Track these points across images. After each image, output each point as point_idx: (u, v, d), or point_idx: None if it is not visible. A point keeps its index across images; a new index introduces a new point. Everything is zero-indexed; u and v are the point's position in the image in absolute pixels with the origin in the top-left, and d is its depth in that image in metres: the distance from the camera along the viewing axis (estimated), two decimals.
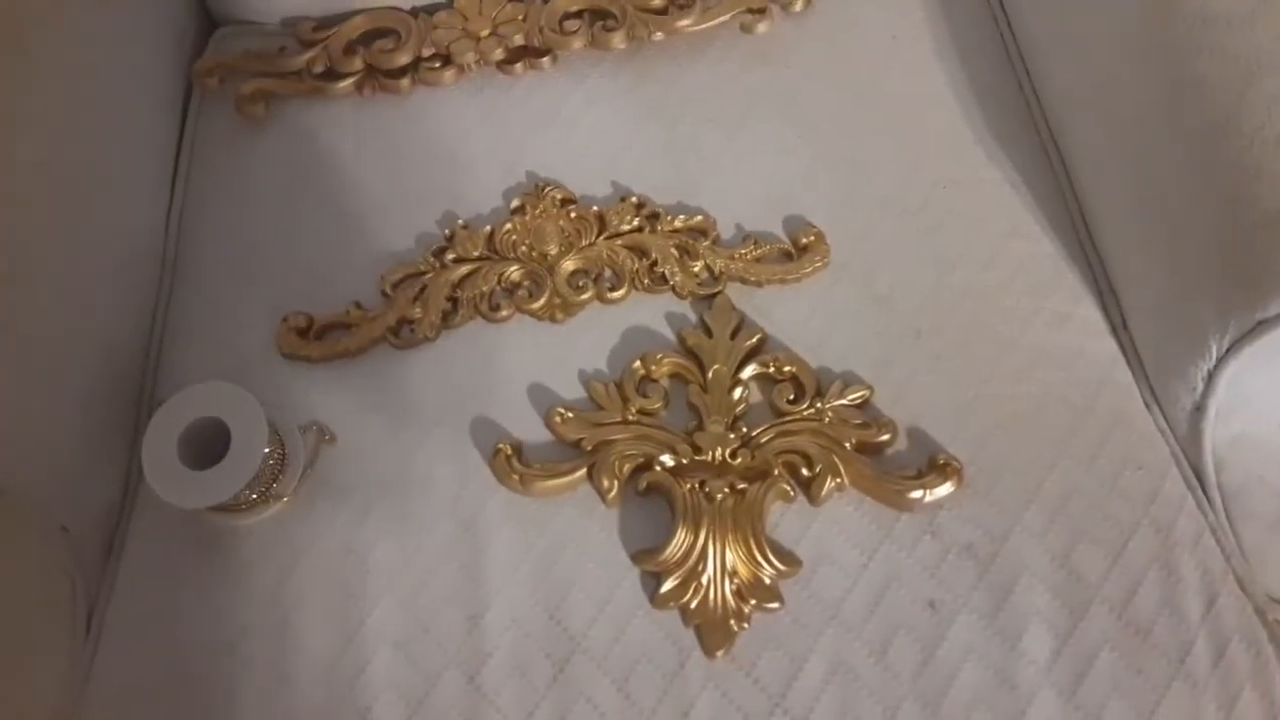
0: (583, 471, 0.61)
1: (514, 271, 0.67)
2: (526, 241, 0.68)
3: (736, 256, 0.67)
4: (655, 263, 0.67)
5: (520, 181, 0.71)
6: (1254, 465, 0.61)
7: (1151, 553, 0.59)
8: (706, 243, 0.67)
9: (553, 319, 0.66)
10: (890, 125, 0.72)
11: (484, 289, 0.67)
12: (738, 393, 0.63)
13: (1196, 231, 0.58)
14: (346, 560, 0.60)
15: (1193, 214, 0.58)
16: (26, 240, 0.60)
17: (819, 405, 0.62)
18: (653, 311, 0.67)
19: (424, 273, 0.68)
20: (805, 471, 0.60)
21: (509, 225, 0.69)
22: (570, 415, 0.62)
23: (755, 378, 0.64)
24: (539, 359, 0.65)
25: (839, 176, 0.70)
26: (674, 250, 0.67)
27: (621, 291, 0.66)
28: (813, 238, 0.67)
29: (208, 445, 0.59)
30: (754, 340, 0.64)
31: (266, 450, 0.59)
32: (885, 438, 0.61)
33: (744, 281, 0.66)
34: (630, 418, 0.62)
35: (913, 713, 0.56)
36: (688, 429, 0.62)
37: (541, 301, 0.66)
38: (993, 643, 0.57)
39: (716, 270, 0.66)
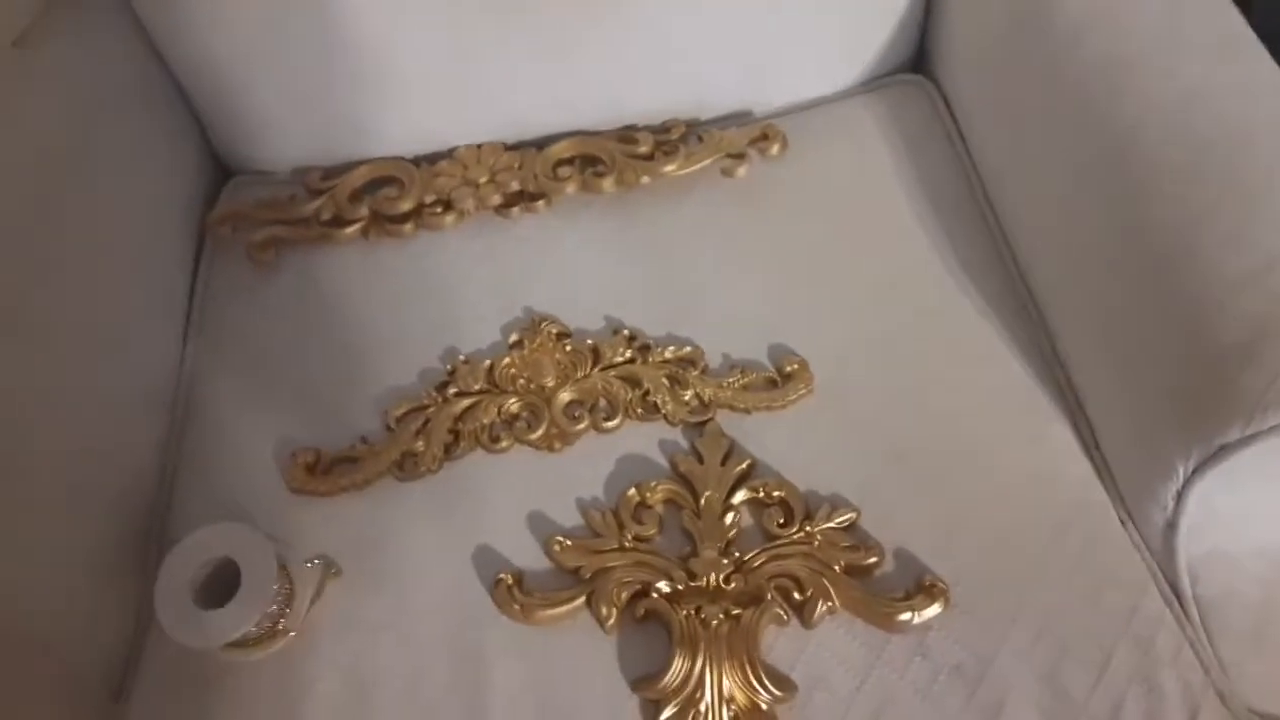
0: (582, 599, 0.62)
1: (513, 404, 0.71)
2: (525, 374, 0.71)
3: (724, 385, 0.70)
4: (647, 392, 0.70)
5: (518, 317, 0.75)
6: (1227, 579, 0.63)
7: (1133, 668, 0.60)
8: (696, 372, 0.71)
9: (550, 449, 0.69)
10: (866, 259, 0.77)
11: (484, 421, 0.70)
12: (729, 518, 0.65)
13: (1158, 362, 0.62)
14: (352, 694, 0.62)
15: (1154, 345, 0.62)
16: (44, 386, 0.63)
17: (808, 529, 0.64)
18: (646, 439, 0.70)
19: (427, 406, 0.71)
20: (797, 595, 0.62)
21: (508, 359, 0.72)
22: (569, 543, 0.64)
23: (746, 502, 0.66)
24: (538, 488, 0.68)
25: (819, 308, 0.74)
26: (665, 380, 0.70)
27: (616, 421, 0.69)
28: (796, 365, 0.71)
29: (219, 583, 0.61)
30: (744, 466, 0.67)
31: (275, 587, 0.61)
32: (873, 560, 0.63)
33: (732, 409, 0.70)
34: (627, 544, 0.64)
35: None
36: (682, 554, 0.64)
37: (540, 432, 0.69)
38: None
39: (706, 398, 0.70)
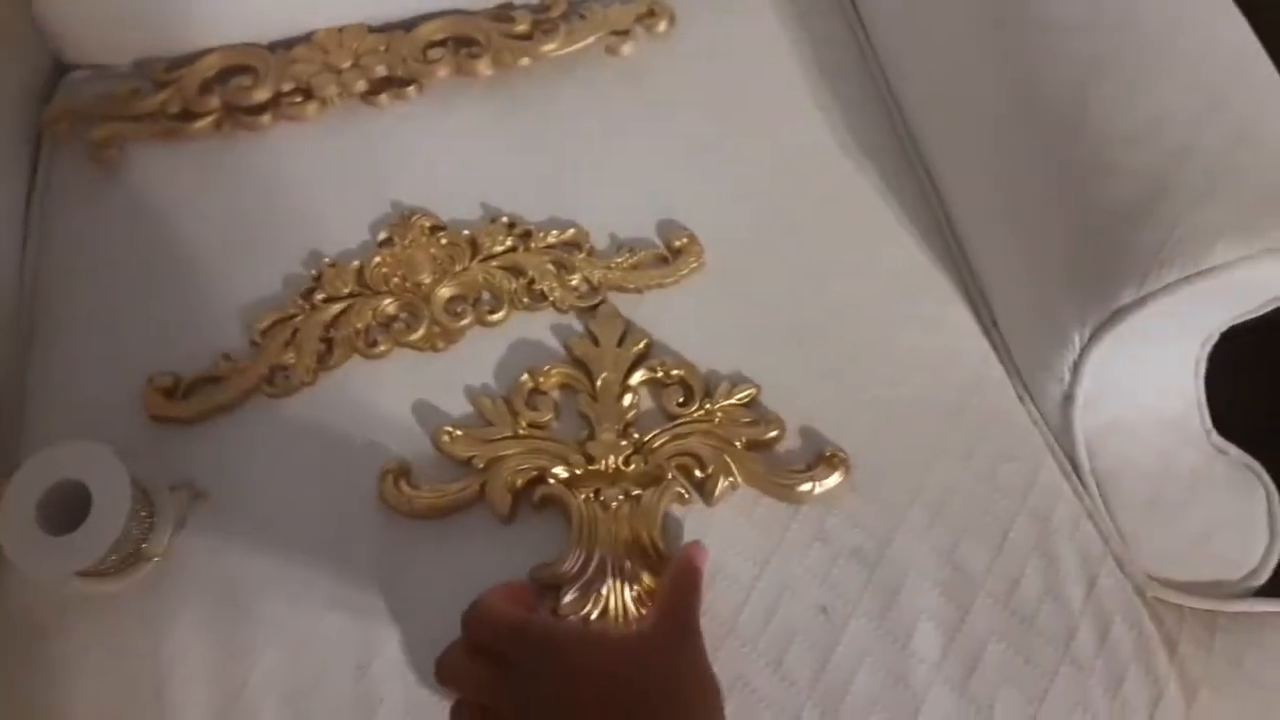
0: (475, 488, 0.59)
1: (389, 305, 0.66)
2: (399, 273, 0.67)
3: (613, 266, 0.67)
4: (532, 281, 0.66)
5: (387, 213, 0.70)
6: (1125, 450, 0.63)
7: (1031, 542, 0.60)
8: (582, 255, 0.67)
9: (434, 348, 0.65)
10: (758, 140, 0.73)
11: (359, 326, 0.65)
12: (627, 399, 0.62)
13: (1053, 229, 0.60)
14: (226, 616, 0.58)
15: (1048, 212, 0.60)
16: None
17: (708, 406, 0.62)
18: (536, 329, 0.66)
19: (294, 315, 0.66)
20: (698, 473, 0.60)
21: (378, 258, 0.67)
22: (459, 433, 0.61)
23: (644, 383, 0.64)
24: (423, 390, 0.64)
25: (711, 189, 0.71)
26: (550, 266, 0.66)
27: (501, 313, 0.66)
28: (686, 239, 0.67)
29: (69, 509, 0.56)
30: (641, 345, 0.64)
31: (131, 510, 0.57)
32: (774, 434, 0.62)
33: (623, 289, 0.66)
34: (521, 432, 0.61)
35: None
36: (579, 439, 0.61)
37: (420, 332, 0.65)
38: (885, 643, 0.57)
39: (595, 281, 0.66)
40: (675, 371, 0.63)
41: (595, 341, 0.65)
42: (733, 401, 0.63)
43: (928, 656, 0.57)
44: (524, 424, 0.62)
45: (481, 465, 0.60)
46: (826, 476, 0.60)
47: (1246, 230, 0.52)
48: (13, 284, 0.69)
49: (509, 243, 0.68)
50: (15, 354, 0.67)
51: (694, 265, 0.67)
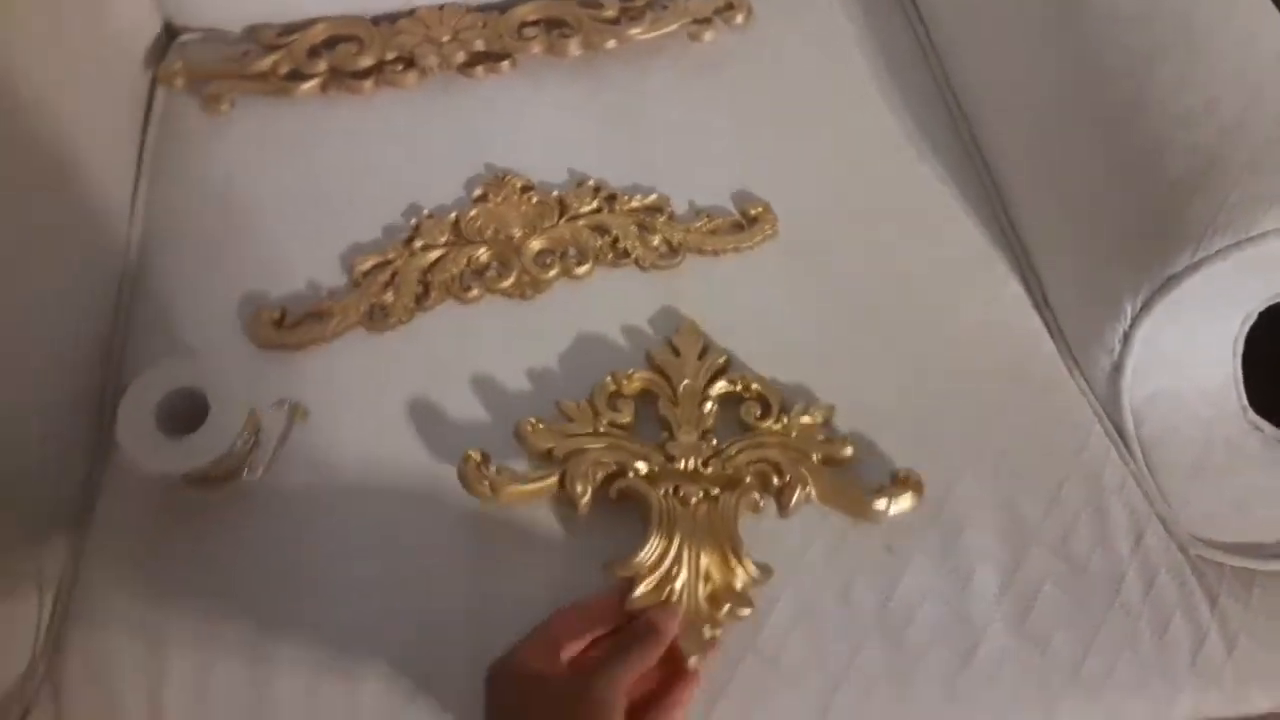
0: (554, 479, 0.60)
1: (482, 254, 0.70)
2: (492, 226, 0.71)
3: (692, 229, 0.71)
4: (616, 239, 0.71)
5: (481, 173, 0.75)
6: (1169, 419, 0.67)
7: (1083, 498, 0.63)
8: (663, 218, 0.72)
9: (522, 296, 0.69)
10: (826, 125, 0.78)
11: (454, 271, 0.70)
12: (707, 406, 0.64)
13: (1108, 204, 0.65)
14: (315, 536, 0.61)
15: (1104, 189, 0.65)
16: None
17: (785, 421, 0.63)
18: (618, 285, 0.70)
19: (393, 260, 0.70)
20: (776, 480, 0.61)
21: (473, 212, 0.72)
22: (541, 426, 0.62)
23: (722, 396, 0.65)
24: (511, 335, 0.68)
25: (783, 167, 0.75)
26: (633, 227, 0.71)
27: (587, 266, 0.70)
28: (760, 209, 0.72)
29: (185, 417, 0.60)
30: (721, 360, 0.66)
31: (243, 421, 0.60)
32: (848, 452, 0.63)
33: (701, 252, 0.71)
34: (601, 429, 0.62)
35: (876, 649, 0.59)
36: (659, 441, 0.63)
37: (511, 280, 0.69)
38: (946, 581, 0.60)
39: (675, 242, 0.70)
40: (754, 386, 0.65)
41: (676, 352, 0.66)
42: (809, 419, 0.64)
43: (986, 595, 0.60)
44: (604, 423, 0.63)
45: (562, 457, 0.61)
46: (900, 494, 0.61)
47: None
48: (124, 217, 0.73)
49: (595, 204, 0.72)
50: (124, 282, 0.71)
51: (768, 233, 0.72)
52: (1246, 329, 0.67)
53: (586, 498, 0.59)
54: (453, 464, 0.62)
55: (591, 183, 0.74)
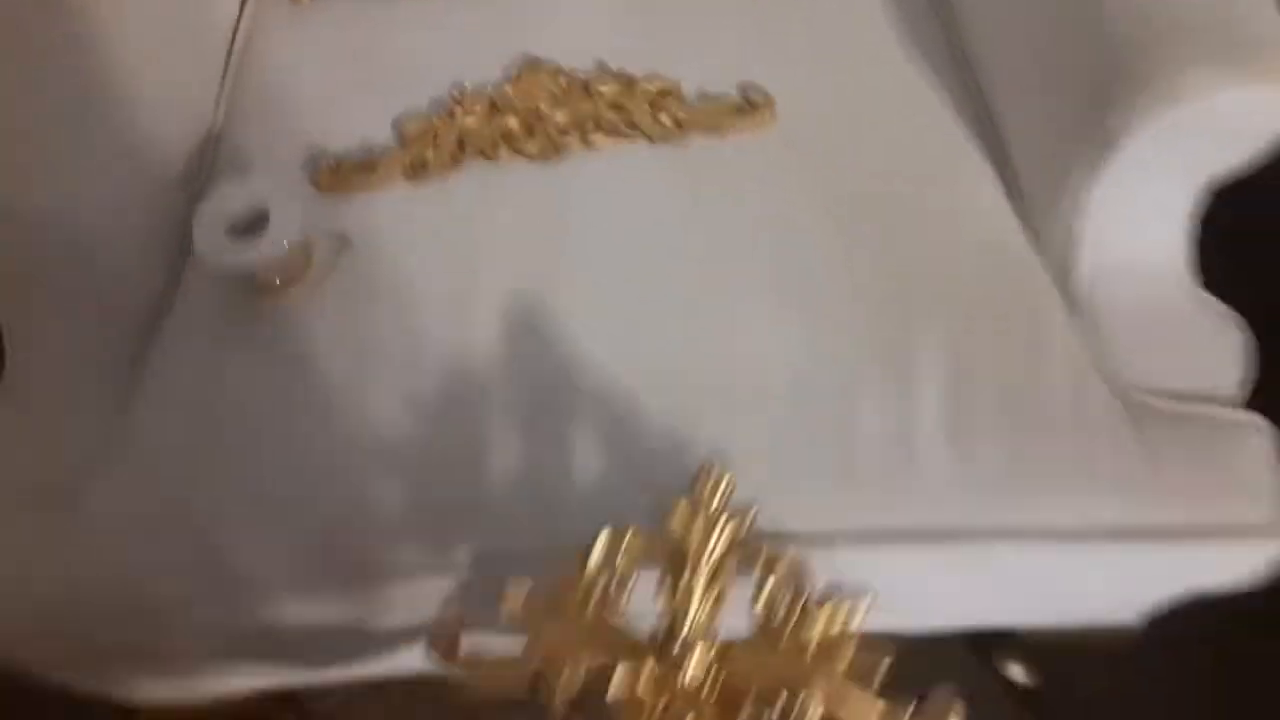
0: (531, 670, 0.52)
1: (512, 122, 0.80)
2: (523, 101, 0.81)
3: (699, 110, 0.80)
4: (631, 116, 0.80)
5: (517, 59, 0.85)
6: (1120, 288, 0.73)
7: (1024, 345, 0.70)
8: (674, 100, 0.81)
9: (545, 160, 0.79)
10: (826, 28, 0.87)
11: (487, 135, 0.80)
12: (716, 591, 0.53)
13: (1062, 74, 0.72)
14: (358, 339, 0.72)
15: (1057, 59, 0.72)
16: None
17: (809, 611, 0.52)
18: (629, 155, 0.80)
19: (435, 124, 0.81)
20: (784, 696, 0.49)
21: (507, 88, 0.82)
22: (523, 597, 0.52)
23: (738, 570, 0.54)
24: (533, 192, 0.78)
25: (786, 63, 0.84)
26: (646, 106, 0.80)
27: (602, 136, 0.80)
28: (763, 98, 0.81)
29: (251, 228, 0.71)
30: (747, 519, 0.55)
31: (297, 232, 0.71)
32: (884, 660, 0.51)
33: (705, 130, 0.80)
34: (590, 612, 0.52)
35: None
36: (656, 634, 0.52)
37: (535, 146, 0.79)
38: (896, 399, 0.68)
39: (682, 121, 0.80)
40: (778, 565, 0.53)
41: (693, 511, 0.54)
42: (838, 615, 0.52)
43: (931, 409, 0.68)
44: (593, 602, 0.52)
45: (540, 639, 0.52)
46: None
47: (1228, 61, 0.63)
48: (217, 80, 0.87)
49: (615, 87, 0.82)
50: (211, 130, 0.84)
51: (768, 119, 0.80)
52: (1197, 202, 0.72)
53: (565, 705, 0.50)
54: (478, 293, 0.72)
55: (612, 69, 0.83)
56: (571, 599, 0.53)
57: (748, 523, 0.55)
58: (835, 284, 0.73)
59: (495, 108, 0.81)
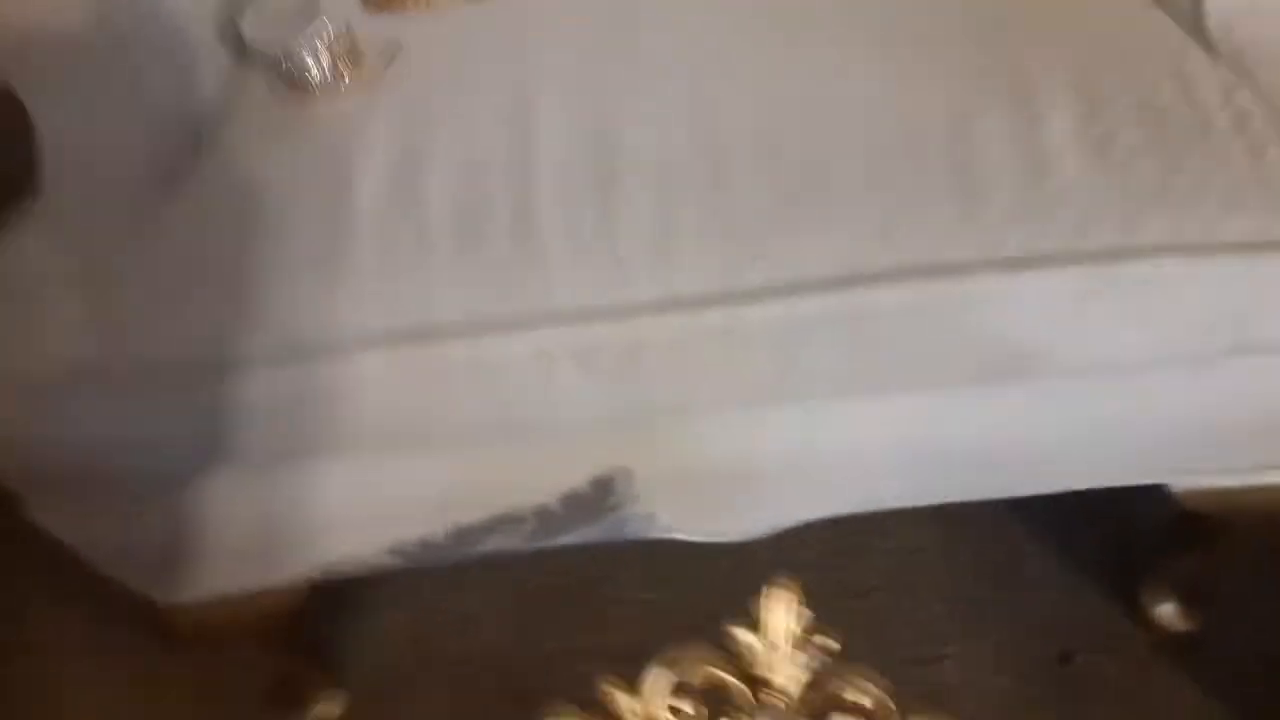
0: None
1: None
2: None
3: None
4: None
5: None
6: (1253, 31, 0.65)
7: (1167, 73, 0.62)
8: None
9: None
10: None
11: None
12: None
13: None
14: (408, 158, 0.65)
15: None
16: None
17: None
18: None
19: None
20: None
21: None
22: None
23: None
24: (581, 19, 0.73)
25: None
26: None
27: None
28: None
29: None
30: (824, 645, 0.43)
31: (345, 30, 0.68)
32: None
33: None
34: None
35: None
36: None
37: None
38: (1017, 123, 0.60)
39: None
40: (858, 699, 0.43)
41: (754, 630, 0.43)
42: None
43: (1061, 132, 0.59)
44: None
45: None
46: None
47: None
48: None
49: None
50: None
51: None
52: None
53: None
54: (540, 96, 0.67)
55: None
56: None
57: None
58: (941, 27, 0.67)
59: None
